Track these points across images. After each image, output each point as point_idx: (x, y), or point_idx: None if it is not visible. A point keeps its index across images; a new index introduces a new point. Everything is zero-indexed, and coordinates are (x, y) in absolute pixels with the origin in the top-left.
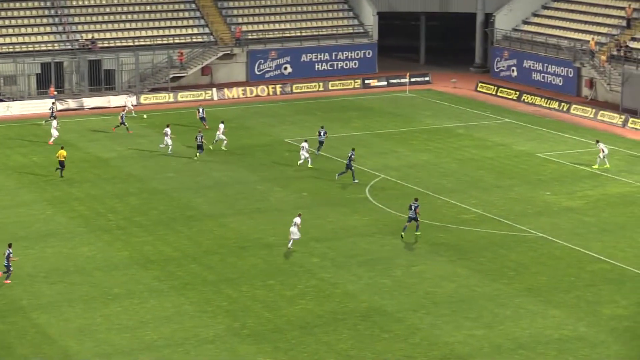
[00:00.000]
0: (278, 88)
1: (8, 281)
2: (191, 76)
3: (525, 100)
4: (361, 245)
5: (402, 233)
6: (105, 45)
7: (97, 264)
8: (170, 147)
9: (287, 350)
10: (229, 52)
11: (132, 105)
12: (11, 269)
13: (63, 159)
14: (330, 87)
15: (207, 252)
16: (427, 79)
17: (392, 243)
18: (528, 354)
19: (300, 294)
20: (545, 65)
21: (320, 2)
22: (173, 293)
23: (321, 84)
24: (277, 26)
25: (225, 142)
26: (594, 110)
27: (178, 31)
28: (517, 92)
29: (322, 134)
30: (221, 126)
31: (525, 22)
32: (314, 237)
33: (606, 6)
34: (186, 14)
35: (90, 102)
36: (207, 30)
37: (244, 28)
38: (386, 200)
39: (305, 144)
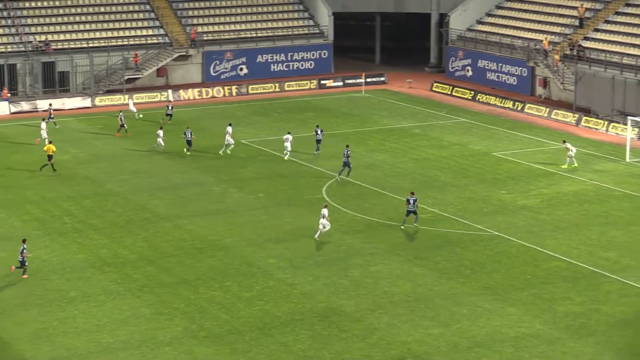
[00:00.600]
0: (234, 89)
1: (25, 276)
2: (146, 78)
3: (480, 100)
4: (318, 245)
5: (402, 226)
6: (59, 47)
7: (52, 268)
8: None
9: (244, 351)
10: (184, 53)
11: (134, 106)
12: (26, 264)
13: (52, 153)
14: (286, 88)
15: (163, 255)
16: (382, 79)
17: (349, 243)
18: (484, 352)
19: (258, 295)
20: (500, 64)
21: (275, 2)
22: (130, 296)
23: (277, 84)
24: (232, 27)
25: (231, 146)
26: (547, 109)
27: (133, 32)
28: (472, 92)
29: (319, 132)
30: (229, 129)
31: (480, 22)
32: (271, 238)
33: (559, 6)
34: (141, 15)
35: (44, 104)
36: (162, 31)
37: (199, 29)
38: (342, 201)
39: (289, 136)
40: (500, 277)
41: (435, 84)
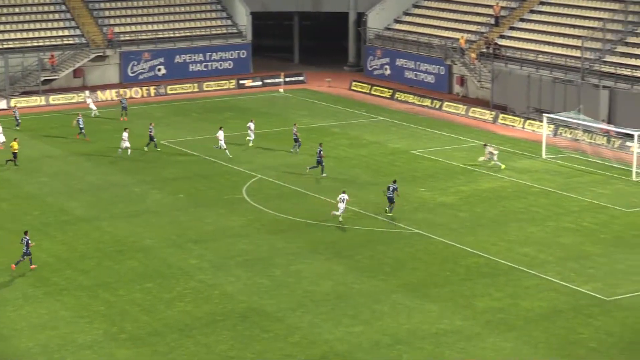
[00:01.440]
0: (152, 89)
1: (33, 266)
2: (63, 79)
3: (399, 99)
4: (239, 245)
5: (386, 209)
6: None
7: None
8: (129, 150)
9: (166, 353)
10: (101, 54)
11: (94, 104)
12: (30, 254)
13: (16, 151)
14: (205, 88)
15: (82, 257)
16: (301, 78)
17: (270, 243)
18: (405, 349)
19: (179, 297)
20: (418, 63)
21: (193, 2)
22: (48, 299)
23: (196, 84)
24: (150, 27)
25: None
26: (465, 107)
27: (49, 33)
28: (391, 91)
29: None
30: (251, 125)
31: (397, 21)
32: (192, 239)
33: (475, 4)
34: (56, 16)
35: None
36: (78, 32)
37: (116, 29)
38: (263, 201)
39: (251, 124)
40: (421, 274)
41: (354, 83)
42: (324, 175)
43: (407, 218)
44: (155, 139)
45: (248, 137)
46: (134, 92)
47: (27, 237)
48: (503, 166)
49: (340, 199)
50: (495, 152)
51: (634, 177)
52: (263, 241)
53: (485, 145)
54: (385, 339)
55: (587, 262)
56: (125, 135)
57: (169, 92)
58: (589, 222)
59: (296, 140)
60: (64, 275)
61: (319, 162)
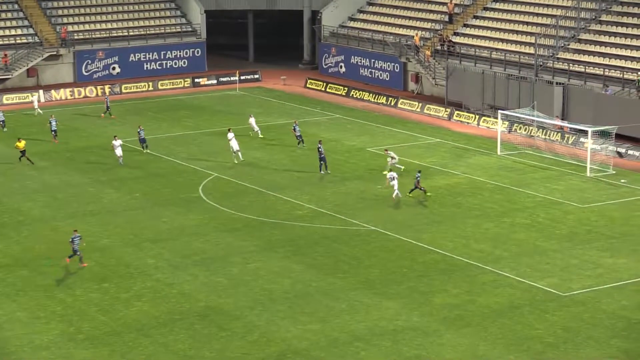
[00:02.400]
0: (107, 88)
1: (84, 264)
2: (16, 78)
3: (354, 96)
4: (196, 244)
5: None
6: None
7: None
8: (121, 158)
9: (124, 353)
10: (54, 53)
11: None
12: (79, 252)
13: (24, 149)
14: (160, 87)
15: (38, 257)
16: (256, 76)
17: (227, 241)
18: (363, 346)
19: (136, 296)
20: (372, 60)
21: (147, 1)
22: (4, 300)
23: (150, 83)
24: (104, 26)
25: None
26: (420, 104)
27: (1, 32)
28: (346, 88)
29: (296, 129)
30: (252, 120)
31: (352, 19)
32: (148, 238)
33: (429, 2)
34: (9, 15)
35: None
36: (31, 30)
37: (70, 28)
38: (220, 199)
39: (252, 119)
40: (378, 272)
41: (309, 81)
42: (328, 172)
43: (363, 215)
44: (146, 141)
45: (255, 130)
46: (89, 91)
47: (77, 235)
48: (403, 168)
49: (390, 177)
50: (396, 157)
51: (588, 173)
52: (220, 240)
53: (386, 150)
54: (343, 336)
55: (543, 257)
56: (116, 143)
57: (124, 90)
58: (544, 218)
59: (299, 137)
60: (20, 276)
61: (321, 160)
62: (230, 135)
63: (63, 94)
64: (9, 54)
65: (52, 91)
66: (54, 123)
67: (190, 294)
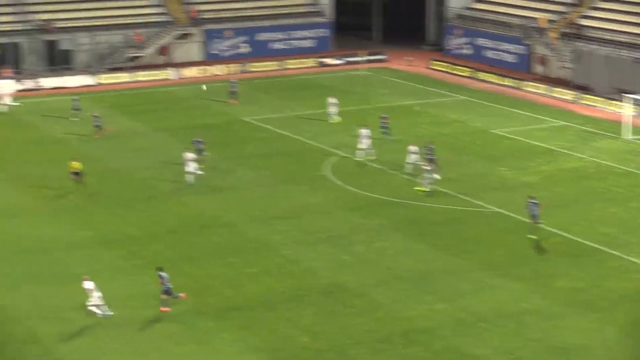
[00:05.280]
0: (235, 67)
1: (183, 295)
2: (148, 56)
3: (479, 78)
4: (321, 222)
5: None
6: (62, 25)
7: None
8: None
9: (248, 326)
10: (184, 31)
11: (8, 96)
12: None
13: (78, 171)
14: (286, 66)
15: (168, 232)
16: (382, 57)
17: (352, 220)
18: (488, 327)
19: (263, 272)
20: (497, 42)
21: None
22: (137, 272)
23: (277, 63)
24: (232, 5)
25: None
26: (546, 87)
27: (134, 11)
28: (471, 70)
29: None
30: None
31: (478, 1)
32: (276, 215)
33: None
34: None
35: (47, 82)
36: (162, 10)
37: (200, 8)
38: (345, 178)
39: (334, 107)
40: (501, 253)
41: (433, 62)
42: (388, 138)
43: (487, 197)
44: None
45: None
46: (218, 70)
47: (162, 274)
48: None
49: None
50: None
51: None
52: (345, 218)
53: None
54: (467, 316)
55: None
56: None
57: (251, 69)
58: None
59: (384, 127)
60: (152, 249)
61: (384, 128)
62: (365, 131)
63: (193, 72)
64: (141, 33)
65: (183, 69)
66: (96, 117)
67: (315, 270)
